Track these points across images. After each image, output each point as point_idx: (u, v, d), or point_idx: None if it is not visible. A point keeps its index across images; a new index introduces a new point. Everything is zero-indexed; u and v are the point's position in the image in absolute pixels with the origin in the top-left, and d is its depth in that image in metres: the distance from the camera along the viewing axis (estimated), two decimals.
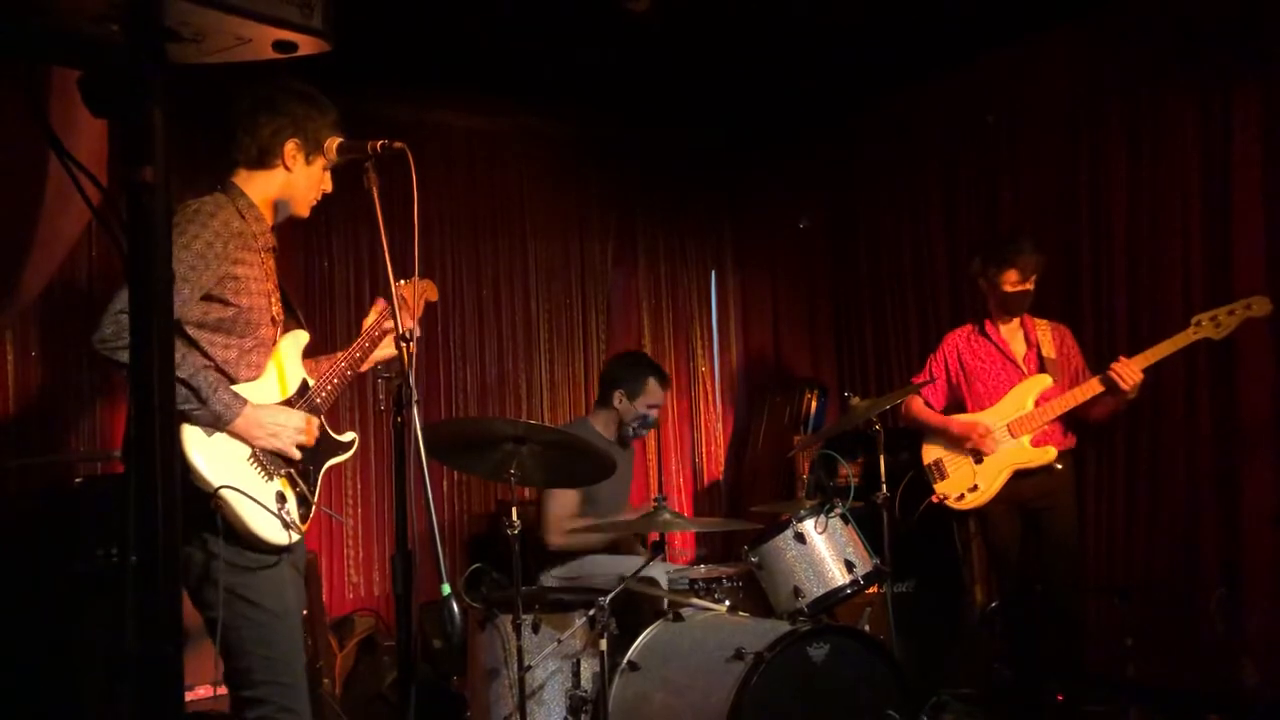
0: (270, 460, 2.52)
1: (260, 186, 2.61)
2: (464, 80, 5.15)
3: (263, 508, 2.43)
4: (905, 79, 5.48)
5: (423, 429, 2.28)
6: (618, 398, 4.16)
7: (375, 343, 2.85)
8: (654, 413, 4.21)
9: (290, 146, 2.60)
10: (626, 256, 6.13)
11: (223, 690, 3.88)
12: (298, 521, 2.53)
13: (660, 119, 5.83)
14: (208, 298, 2.44)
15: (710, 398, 6.34)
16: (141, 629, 1.25)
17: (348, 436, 2.77)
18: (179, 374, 2.32)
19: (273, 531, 2.46)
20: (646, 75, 5.22)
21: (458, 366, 5.52)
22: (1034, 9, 4.67)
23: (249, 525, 2.41)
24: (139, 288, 1.28)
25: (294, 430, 2.55)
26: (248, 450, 2.48)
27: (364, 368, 2.85)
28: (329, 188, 2.73)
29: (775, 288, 6.49)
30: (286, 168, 2.62)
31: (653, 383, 4.18)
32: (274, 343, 2.64)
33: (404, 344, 2.33)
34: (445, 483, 5.37)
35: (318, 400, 2.69)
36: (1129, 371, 3.84)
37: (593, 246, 5.99)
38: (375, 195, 2.38)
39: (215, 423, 2.41)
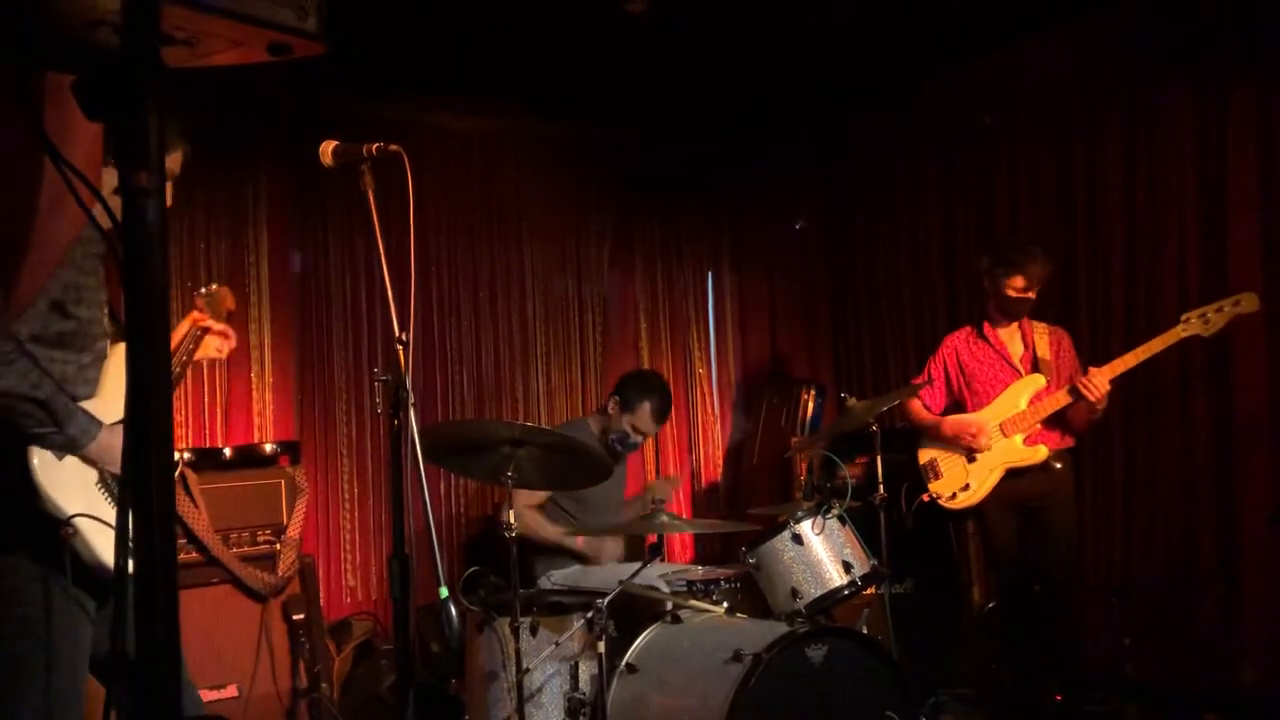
0: (115, 484, 2.37)
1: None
2: (460, 82, 5.15)
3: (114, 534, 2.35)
4: (902, 80, 5.49)
5: (420, 433, 2.27)
6: (612, 404, 4.19)
7: (191, 355, 2.72)
8: (636, 436, 4.21)
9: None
10: (623, 258, 6.12)
11: (230, 692, 3.90)
12: None
13: (657, 120, 5.82)
14: (51, 307, 2.27)
15: (708, 399, 6.33)
16: (138, 632, 1.25)
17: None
18: (37, 395, 2.19)
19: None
20: (644, 76, 5.22)
21: (454, 369, 5.51)
22: (1030, 10, 4.67)
23: (98, 555, 2.28)
24: (135, 294, 1.28)
25: None
26: (95, 474, 2.35)
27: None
28: (169, 200, 2.60)
29: (773, 289, 6.49)
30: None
31: (647, 407, 4.17)
32: (105, 357, 2.47)
33: (399, 347, 2.32)
34: (443, 485, 5.36)
35: None
36: (1094, 385, 3.86)
37: (589, 248, 5.98)
38: (371, 198, 2.37)
39: (69, 447, 2.26)
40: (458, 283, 5.55)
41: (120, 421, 2.38)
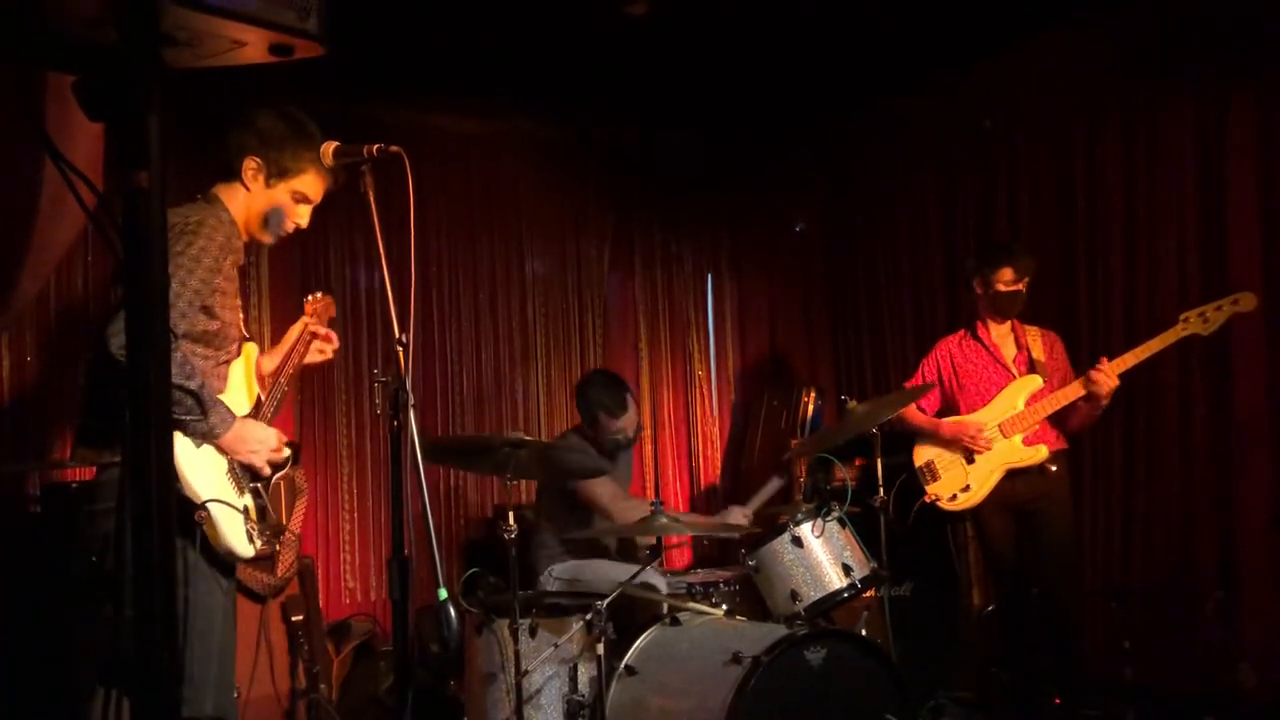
0: (242, 474, 2.54)
1: (230, 200, 2.59)
2: (461, 84, 5.15)
3: (238, 521, 2.46)
4: (902, 83, 5.49)
5: (420, 445, 2.28)
6: (604, 419, 4.24)
7: (302, 358, 2.86)
8: (634, 431, 4.34)
9: (250, 164, 2.59)
10: (623, 260, 6.12)
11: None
12: (258, 535, 2.56)
13: (657, 122, 5.83)
14: (202, 308, 2.45)
15: (707, 402, 6.33)
16: (137, 633, 1.24)
17: (286, 452, 2.74)
18: (190, 385, 2.35)
19: (242, 545, 2.48)
20: (643, 79, 5.22)
21: (454, 371, 5.51)
22: (1030, 13, 4.68)
23: (226, 538, 2.42)
24: (135, 293, 1.28)
25: (269, 449, 2.58)
26: (225, 464, 2.49)
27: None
28: (302, 221, 2.70)
29: (772, 291, 6.49)
30: (245, 186, 2.60)
31: (628, 398, 4.29)
32: (236, 357, 2.66)
33: (399, 348, 2.33)
34: (442, 487, 5.36)
35: (269, 416, 2.71)
36: (1103, 377, 3.87)
37: (589, 251, 5.98)
38: (371, 199, 2.38)
39: (207, 435, 2.42)
40: (458, 284, 5.55)
41: (250, 414, 2.60)
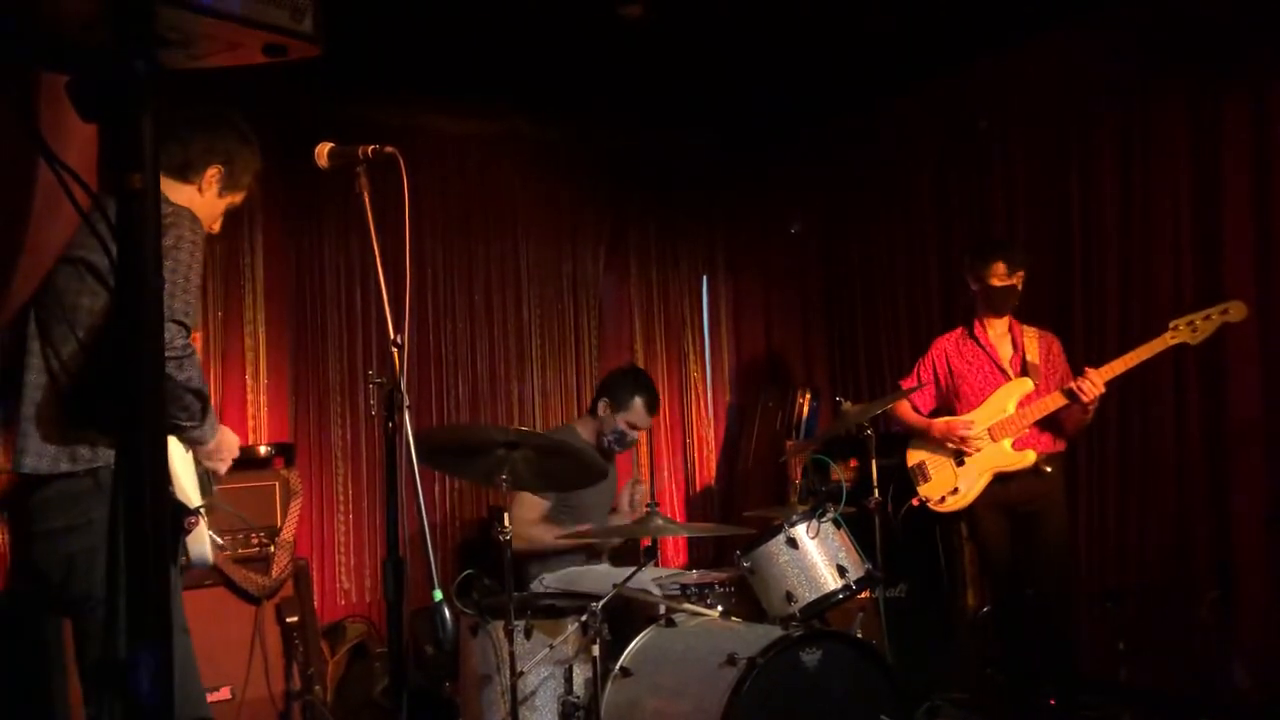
0: (206, 479, 2.52)
1: (174, 196, 2.49)
2: (456, 84, 5.15)
3: (205, 525, 2.44)
4: (898, 84, 5.49)
5: (415, 438, 2.27)
6: (602, 406, 4.18)
7: None
8: (632, 433, 4.19)
9: (213, 171, 2.56)
10: (618, 261, 6.13)
11: (223, 695, 3.90)
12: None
13: (652, 123, 5.83)
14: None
15: (702, 403, 6.34)
16: (130, 635, 1.24)
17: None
18: (203, 390, 2.32)
19: (211, 550, 2.46)
20: (639, 80, 5.22)
21: (449, 372, 5.50)
22: (1026, 15, 4.68)
23: (201, 544, 2.39)
24: (128, 294, 1.27)
25: (232, 456, 2.57)
26: (197, 468, 2.47)
27: None
28: (215, 229, 2.70)
29: (767, 292, 6.49)
30: (199, 189, 2.57)
31: (639, 403, 4.15)
32: None
33: (394, 350, 2.32)
34: (437, 488, 5.35)
35: None
36: (1089, 386, 3.87)
37: (585, 251, 5.99)
38: (366, 201, 2.37)
39: (199, 440, 2.39)
40: (453, 285, 5.54)
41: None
